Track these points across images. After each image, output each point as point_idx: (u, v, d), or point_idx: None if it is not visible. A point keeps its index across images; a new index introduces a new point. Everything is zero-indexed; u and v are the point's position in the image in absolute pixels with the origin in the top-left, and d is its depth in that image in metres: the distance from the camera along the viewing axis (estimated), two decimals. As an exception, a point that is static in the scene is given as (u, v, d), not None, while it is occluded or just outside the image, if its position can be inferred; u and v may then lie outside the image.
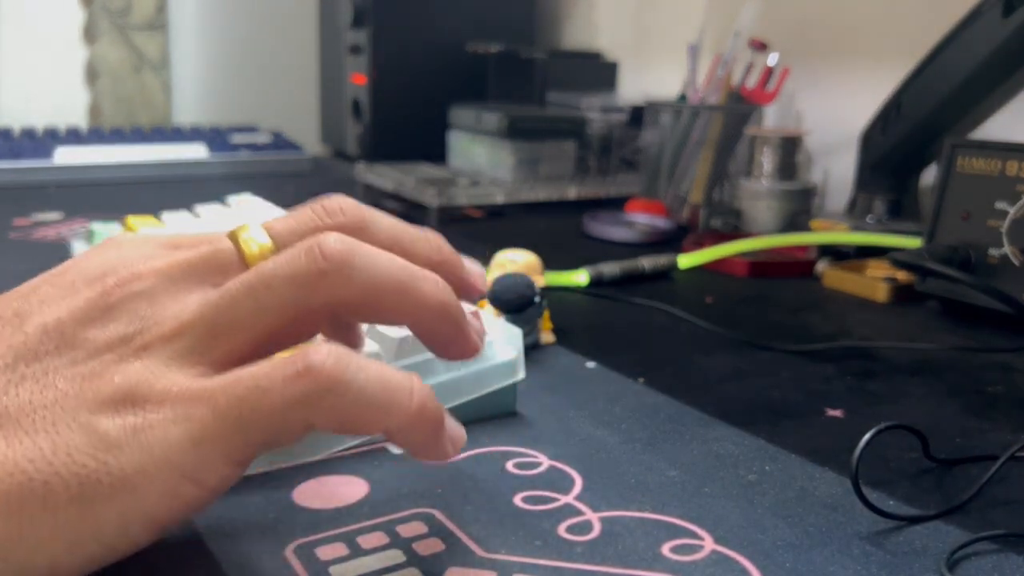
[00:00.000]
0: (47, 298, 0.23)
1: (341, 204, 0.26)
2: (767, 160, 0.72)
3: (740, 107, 0.76)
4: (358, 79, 1.02)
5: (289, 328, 0.23)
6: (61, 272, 0.24)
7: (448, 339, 0.26)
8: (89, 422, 0.21)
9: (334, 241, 0.23)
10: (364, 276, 0.23)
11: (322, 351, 0.21)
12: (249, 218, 0.26)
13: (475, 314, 0.28)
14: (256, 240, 0.25)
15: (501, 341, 0.35)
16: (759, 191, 0.71)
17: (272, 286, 0.23)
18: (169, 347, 0.22)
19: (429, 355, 0.33)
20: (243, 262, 0.25)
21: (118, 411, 0.21)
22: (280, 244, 0.25)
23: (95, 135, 1.01)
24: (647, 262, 0.58)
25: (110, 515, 0.20)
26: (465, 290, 0.28)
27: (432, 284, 0.25)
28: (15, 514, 0.20)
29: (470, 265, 0.28)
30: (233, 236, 0.25)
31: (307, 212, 0.26)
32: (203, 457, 0.21)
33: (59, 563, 0.20)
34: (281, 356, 0.22)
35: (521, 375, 0.35)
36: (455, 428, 0.25)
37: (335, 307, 0.23)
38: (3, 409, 0.21)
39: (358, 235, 0.25)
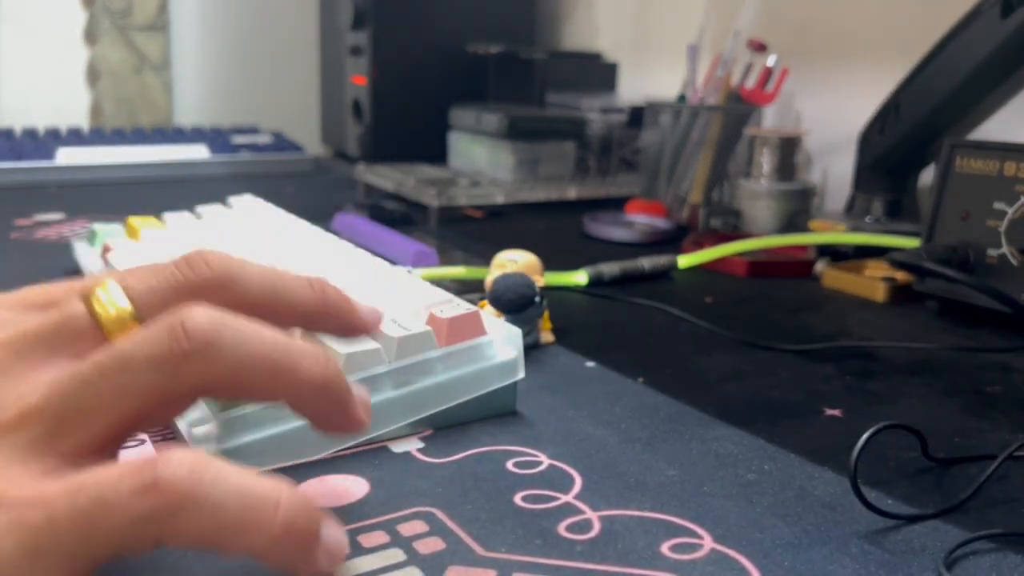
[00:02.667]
0: None
1: (206, 258, 0.24)
2: (766, 160, 0.72)
3: (739, 107, 0.76)
4: (359, 80, 1.02)
5: (151, 412, 0.21)
6: None
7: (329, 417, 0.24)
8: None
9: (200, 317, 0.21)
10: (233, 356, 0.21)
11: (174, 460, 0.19)
12: (105, 275, 0.24)
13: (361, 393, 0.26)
14: (113, 302, 0.23)
15: (501, 341, 0.35)
16: (758, 191, 0.71)
17: (131, 369, 0.21)
18: (11, 437, 0.20)
19: (428, 355, 0.33)
20: (98, 327, 0.23)
21: None
22: (139, 306, 0.23)
23: (96, 136, 1.01)
24: (647, 262, 0.58)
25: None
26: (354, 331, 0.27)
27: (311, 361, 0.23)
28: None
29: (361, 304, 0.27)
30: (87, 298, 0.23)
31: (169, 268, 0.24)
32: (39, 571, 0.19)
33: None
34: (132, 459, 0.20)
35: (521, 375, 0.35)
36: (333, 538, 0.22)
37: (201, 390, 0.22)
38: None
39: (226, 291, 0.23)
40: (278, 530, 0.20)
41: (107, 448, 0.21)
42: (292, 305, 0.25)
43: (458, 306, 0.35)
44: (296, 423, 0.30)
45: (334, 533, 0.22)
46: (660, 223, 0.73)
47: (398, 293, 0.38)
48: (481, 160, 0.88)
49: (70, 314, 0.22)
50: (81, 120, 1.16)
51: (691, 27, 0.89)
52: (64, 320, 0.22)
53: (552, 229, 0.73)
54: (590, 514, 0.28)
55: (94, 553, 0.19)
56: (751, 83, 0.78)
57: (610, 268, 0.56)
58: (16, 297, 0.23)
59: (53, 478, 0.20)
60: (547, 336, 0.44)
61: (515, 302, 0.41)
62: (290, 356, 0.22)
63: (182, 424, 0.30)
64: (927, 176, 0.68)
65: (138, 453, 0.31)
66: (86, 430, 0.21)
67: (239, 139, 1.05)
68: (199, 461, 0.20)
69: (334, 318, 0.26)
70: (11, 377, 0.21)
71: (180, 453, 0.20)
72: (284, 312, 0.25)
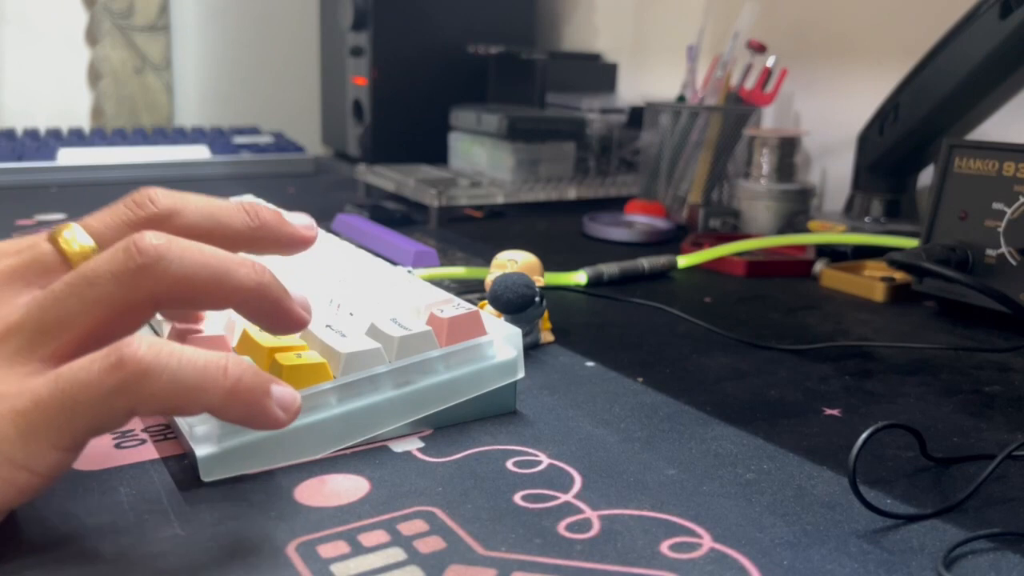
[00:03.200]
0: None
1: (150, 195, 0.28)
2: (765, 161, 0.72)
3: (739, 108, 0.77)
4: (359, 81, 1.02)
5: (115, 322, 0.25)
6: None
7: (271, 316, 0.28)
8: None
9: (150, 237, 0.25)
10: (179, 268, 0.25)
11: (135, 342, 0.23)
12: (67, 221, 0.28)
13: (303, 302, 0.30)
14: (76, 240, 0.27)
15: (501, 341, 0.35)
16: (757, 192, 0.72)
17: (94, 283, 0.25)
18: (6, 345, 0.24)
19: (429, 355, 0.33)
20: (66, 262, 0.26)
21: None
22: (100, 240, 0.27)
23: (97, 136, 1.01)
24: (646, 262, 0.58)
25: None
26: (293, 244, 0.30)
27: (247, 269, 0.27)
28: None
29: (294, 217, 0.30)
30: (53, 238, 0.27)
31: (120, 207, 0.28)
32: (32, 447, 0.23)
33: None
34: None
35: (521, 374, 0.35)
36: (285, 394, 0.26)
37: (156, 299, 0.26)
38: None
39: (171, 221, 0.27)
40: (229, 385, 0.24)
41: (80, 353, 0.24)
42: (231, 228, 0.28)
43: (458, 306, 0.35)
44: (295, 423, 0.30)
45: (285, 390, 0.26)
46: (659, 223, 0.73)
47: (398, 293, 0.38)
48: (481, 161, 0.88)
49: (40, 252, 0.27)
50: (82, 121, 1.16)
51: (690, 28, 0.89)
52: (35, 258, 0.26)
53: (552, 229, 0.73)
54: (590, 513, 0.28)
55: (77, 427, 0.23)
56: (750, 84, 0.78)
57: (610, 268, 0.57)
58: None
59: (37, 377, 0.24)
60: (547, 336, 0.44)
61: (515, 302, 0.41)
62: (227, 265, 0.26)
63: (183, 424, 0.30)
64: (926, 176, 0.68)
65: (138, 453, 0.31)
66: (61, 337, 0.25)
67: (240, 140, 1.05)
68: (157, 341, 0.24)
69: (272, 236, 0.29)
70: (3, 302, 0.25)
71: (140, 336, 0.24)
72: (225, 235, 0.28)
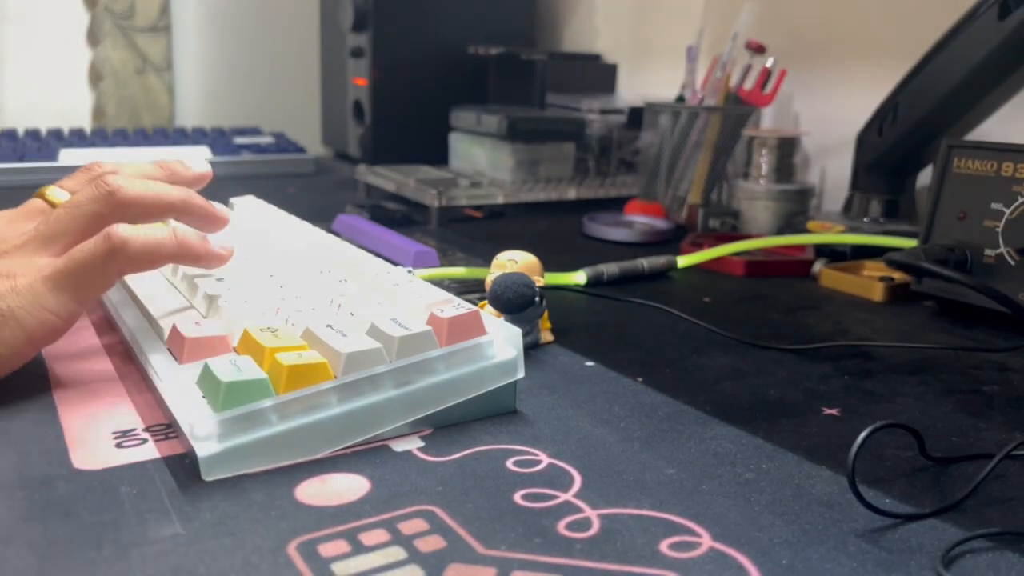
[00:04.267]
0: None
1: (97, 163, 0.43)
2: (765, 161, 0.72)
3: (738, 109, 0.77)
4: (359, 81, 1.02)
5: (97, 229, 0.36)
6: None
7: (201, 218, 0.41)
8: None
9: (110, 176, 0.38)
10: (131, 192, 0.38)
11: (114, 226, 0.35)
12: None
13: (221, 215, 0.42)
14: (56, 194, 0.43)
15: (501, 341, 0.35)
16: (757, 192, 0.72)
17: (81, 205, 0.37)
18: (25, 248, 0.36)
19: (429, 355, 0.33)
20: (52, 207, 0.41)
21: (2, 279, 0.34)
22: (72, 194, 0.40)
23: (99, 137, 1.01)
24: (646, 262, 0.58)
25: (8, 332, 0.34)
26: (196, 181, 0.45)
27: (173, 189, 0.40)
28: None
29: (191, 163, 0.45)
30: (42, 195, 0.43)
31: (78, 173, 0.44)
32: (59, 298, 0.35)
33: None
34: None
35: (521, 374, 0.35)
36: (220, 242, 0.40)
37: (123, 213, 0.38)
38: None
39: (117, 175, 0.39)
40: (179, 239, 0.38)
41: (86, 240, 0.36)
42: (153, 175, 0.43)
43: (458, 306, 0.35)
44: (296, 423, 0.30)
45: (219, 239, 0.40)
46: (659, 223, 0.73)
47: (398, 293, 0.38)
48: (481, 161, 0.88)
49: (35, 204, 0.42)
50: (83, 121, 1.16)
51: (690, 29, 0.89)
52: (33, 207, 0.42)
53: (552, 229, 0.73)
54: (589, 512, 0.28)
55: (86, 283, 0.35)
56: (749, 84, 0.78)
57: (609, 268, 0.57)
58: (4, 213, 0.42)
59: (55, 259, 0.36)
60: (547, 336, 0.45)
61: (515, 302, 0.41)
62: (162, 187, 0.40)
63: (184, 423, 0.30)
64: (925, 177, 0.68)
65: (139, 452, 0.31)
66: (64, 239, 0.37)
67: (241, 140, 1.05)
68: (125, 225, 0.36)
69: (179, 180, 0.44)
70: (14, 228, 0.40)
71: (120, 224, 0.36)
72: (160, 175, 0.44)
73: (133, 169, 0.43)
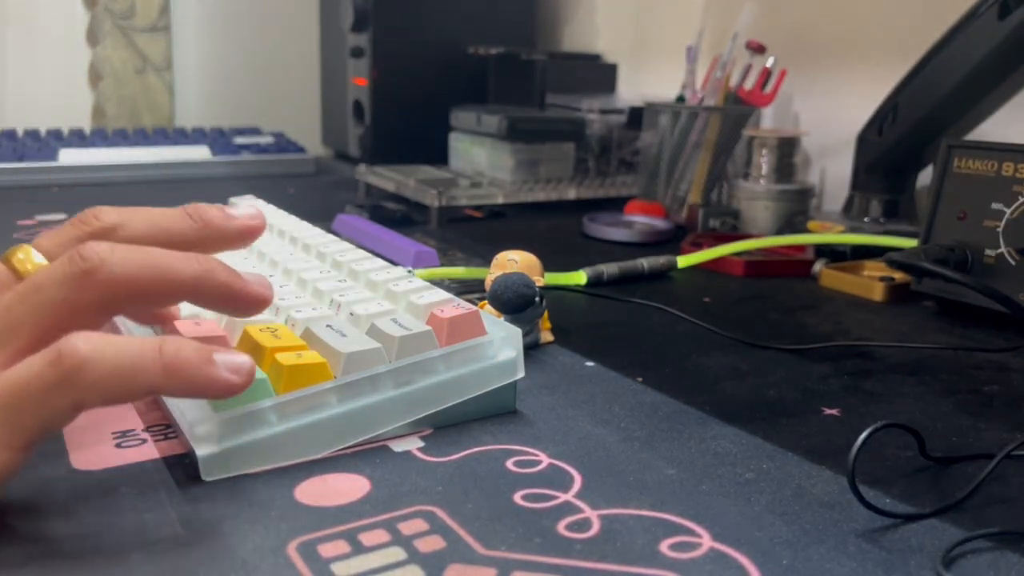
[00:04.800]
0: None
1: (95, 212, 0.29)
2: (765, 161, 0.72)
3: (738, 109, 0.77)
4: (359, 81, 1.02)
5: (65, 327, 0.26)
6: None
7: (225, 299, 0.29)
8: None
9: (92, 245, 0.27)
10: (122, 270, 0.27)
11: (71, 338, 0.24)
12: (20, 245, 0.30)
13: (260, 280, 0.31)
14: (30, 259, 0.28)
15: (501, 341, 0.35)
16: (757, 192, 0.72)
17: (43, 290, 0.26)
18: None
19: (429, 355, 0.33)
20: (19, 279, 0.28)
21: None
22: (50, 258, 0.28)
23: (98, 136, 1.01)
24: (646, 262, 0.58)
25: None
26: (241, 237, 0.31)
27: (188, 260, 0.28)
28: None
29: (239, 209, 0.31)
30: (7, 260, 0.29)
31: (67, 226, 0.29)
32: None
33: None
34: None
35: (521, 374, 0.35)
36: (233, 359, 0.27)
37: (104, 302, 0.27)
38: None
39: (117, 233, 0.29)
40: (166, 361, 0.25)
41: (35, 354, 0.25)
42: (176, 232, 0.30)
43: (458, 306, 0.35)
44: (296, 423, 0.30)
45: (232, 355, 0.27)
46: (659, 223, 0.73)
47: (398, 293, 0.38)
48: (481, 161, 0.88)
49: (1, 274, 0.28)
50: (83, 121, 1.16)
51: (690, 29, 0.89)
52: None
53: (552, 229, 0.73)
54: (589, 513, 0.28)
55: (26, 424, 0.24)
56: (750, 84, 0.78)
57: (609, 268, 0.57)
58: None
59: None
60: (547, 336, 0.45)
61: (515, 302, 0.41)
62: (168, 260, 0.28)
63: (183, 423, 0.30)
64: (925, 177, 0.68)
65: (139, 452, 0.31)
66: (14, 342, 0.26)
67: (241, 140, 1.05)
68: (92, 334, 0.25)
69: (217, 234, 0.30)
70: None
71: (76, 333, 0.25)
72: (170, 240, 0.29)
73: (146, 218, 0.30)
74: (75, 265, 0.26)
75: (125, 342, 0.25)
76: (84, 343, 0.24)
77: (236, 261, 0.45)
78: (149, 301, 0.29)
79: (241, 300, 0.30)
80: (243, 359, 0.27)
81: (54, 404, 0.24)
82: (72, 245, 0.28)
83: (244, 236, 0.31)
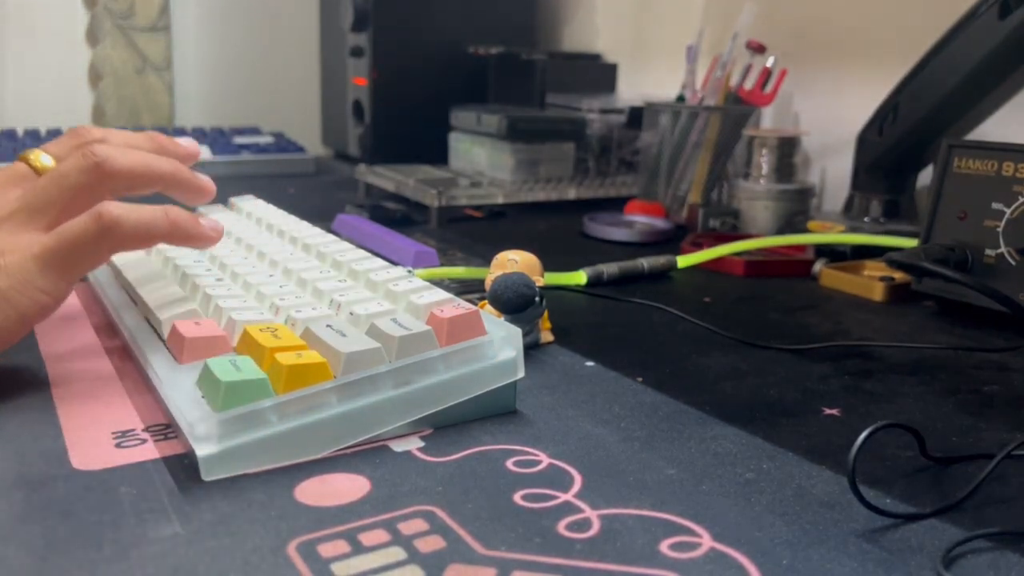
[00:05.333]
0: None
1: (85, 129, 0.42)
2: (765, 161, 0.72)
3: (738, 108, 0.77)
4: (359, 81, 1.02)
5: (84, 201, 0.37)
6: None
7: (187, 188, 0.42)
8: None
9: (97, 146, 0.38)
10: (120, 163, 0.38)
11: (106, 204, 0.35)
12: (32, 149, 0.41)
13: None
14: (40, 160, 0.40)
15: (501, 341, 0.35)
16: (757, 192, 0.72)
17: (68, 176, 0.37)
18: (12, 221, 0.36)
19: (428, 355, 0.33)
20: (36, 173, 0.40)
21: None
22: (57, 160, 0.40)
23: (97, 137, 1.01)
24: (646, 262, 0.58)
25: (0, 314, 0.33)
26: (186, 157, 0.45)
27: (162, 160, 0.41)
28: None
29: (182, 142, 0.45)
30: (25, 159, 0.40)
31: (64, 138, 0.42)
32: (48, 278, 0.34)
33: None
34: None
35: (521, 374, 0.35)
36: (212, 222, 0.39)
37: (109, 185, 0.38)
38: None
39: (106, 142, 0.40)
40: (172, 219, 0.37)
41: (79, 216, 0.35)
42: (141, 146, 0.42)
43: (458, 306, 0.35)
44: (296, 423, 0.30)
45: (210, 219, 0.39)
46: (659, 223, 0.73)
47: (398, 293, 0.38)
48: (481, 161, 0.88)
49: (18, 169, 0.40)
50: (83, 121, 1.16)
51: (690, 28, 0.89)
52: (15, 172, 0.40)
53: (552, 229, 0.73)
54: (589, 513, 0.28)
55: (76, 261, 0.35)
56: (750, 84, 0.78)
57: (609, 268, 0.57)
58: None
59: (42, 236, 0.35)
60: (547, 336, 0.45)
61: (515, 302, 0.41)
62: (150, 158, 0.40)
63: (183, 423, 0.30)
64: (925, 176, 0.68)
65: (138, 452, 0.31)
66: (49, 213, 0.36)
67: (240, 140, 1.05)
68: (119, 203, 0.35)
69: (168, 151, 0.44)
70: (3, 199, 0.38)
71: (111, 201, 0.35)
72: (149, 147, 0.43)
73: (121, 138, 0.42)
74: (88, 160, 0.37)
75: (143, 207, 0.36)
76: (116, 208, 0.34)
77: (236, 260, 0.45)
78: (138, 187, 0.40)
79: (196, 190, 0.43)
80: (219, 223, 0.39)
81: (97, 248, 0.35)
82: (72, 151, 0.40)
83: (188, 158, 0.45)
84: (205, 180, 0.43)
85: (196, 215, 0.39)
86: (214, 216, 0.52)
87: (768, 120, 0.85)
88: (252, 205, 0.57)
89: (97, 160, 0.37)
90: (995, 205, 0.49)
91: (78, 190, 0.37)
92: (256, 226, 0.53)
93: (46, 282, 0.34)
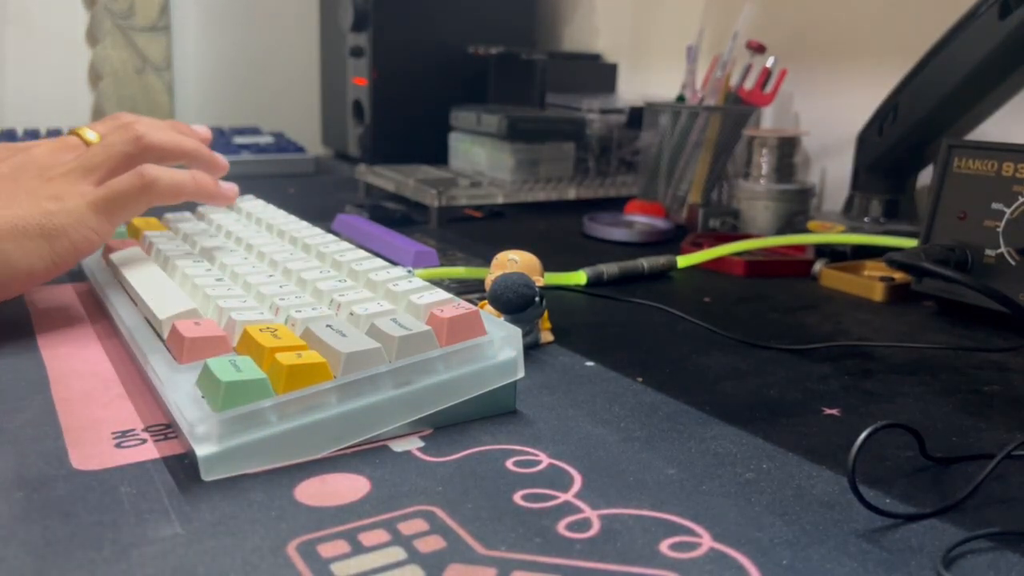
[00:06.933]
0: (4, 158, 0.47)
1: (119, 114, 0.51)
2: (765, 161, 0.72)
3: (738, 108, 0.77)
4: (359, 81, 1.02)
5: (126, 166, 0.45)
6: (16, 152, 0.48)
7: (206, 162, 0.51)
8: (41, 204, 0.42)
9: (135, 124, 0.48)
10: (154, 137, 0.47)
11: (146, 166, 0.44)
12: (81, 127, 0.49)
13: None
14: (88, 136, 0.49)
15: (501, 341, 0.35)
16: (757, 192, 0.72)
17: (114, 144, 0.46)
18: (70, 176, 0.44)
19: (429, 355, 0.33)
20: (84, 144, 0.48)
21: (53, 200, 0.42)
22: (100, 135, 0.49)
23: (96, 137, 1.01)
24: (646, 262, 0.58)
25: (55, 245, 0.41)
26: (203, 141, 0.53)
27: (187, 139, 0.50)
28: (10, 240, 0.40)
29: (198, 129, 0.54)
30: (75, 133, 0.49)
31: (106, 120, 0.51)
32: (99, 220, 0.43)
33: (33, 267, 0.41)
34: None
35: (521, 374, 0.35)
36: (230, 185, 0.53)
37: (145, 155, 0.46)
38: None
39: (139, 121, 0.50)
40: (197, 180, 0.48)
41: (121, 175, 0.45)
42: (173, 129, 0.52)
43: (458, 306, 0.35)
44: (296, 423, 0.30)
45: (229, 184, 0.53)
46: (659, 223, 0.73)
47: (398, 293, 0.38)
48: (481, 161, 0.88)
49: (69, 140, 0.48)
50: (83, 121, 1.16)
51: (690, 28, 0.89)
52: (67, 142, 0.48)
53: (552, 229, 0.73)
54: (589, 513, 0.28)
55: (122, 208, 0.44)
56: (750, 84, 0.78)
57: (609, 268, 0.57)
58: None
59: (95, 187, 0.44)
60: (547, 336, 0.45)
61: (515, 302, 0.41)
62: (178, 137, 0.49)
63: (183, 423, 0.30)
64: (925, 177, 0.68)
65: (138, 452, 0.31)
66: (99, 172, 0.45)
67: (240, 140, 1.05)
68: (156, 166, 0.45)
69: (187, 132, 0.53)
70: (58, 158, 0.46)
71: (147, 164, 0.45)
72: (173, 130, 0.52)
73: (147, 121, 0.51)
74: (131, 133, 0.46)
75: (175, 171, 0.46)
76: (154, 169, 0.44)
77: (237, 260, 0.45)
78: (168, 158, 0.48)
79: (216, 167, 0.52)
80: (234, 186, 0.53)
81: (138, 199, 0.44)
82: (114, 129, 0.49)
83: (204, 140, 0.54)
84: (220, 157, 0.53)
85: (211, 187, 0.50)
86: (216, 212, 0.57)
87: (768, 120, 0.85)
88: (252, 205, 0.57)
89: (138, 134, 0.46)
90: (995, 205, 0.49)
91: (122, 157, 0.45)
92: (256, 226, 0.53)
93: (96, 222, 0.43)
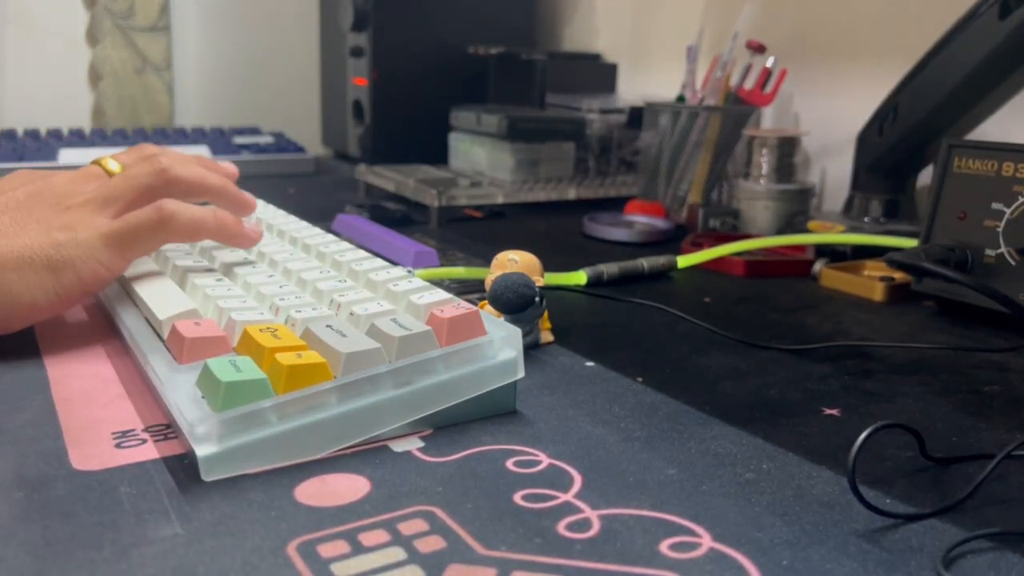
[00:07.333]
0: (17, 185, 0.44)
1: (143, 146, 0.49)
2: (765, 161, 0.72)
3: (738, 108, 0.77)
4: (359, 81, 1.02)
5: (148, 199, 0.43)
6: (35, 182, 0.45)
7: (232, 201, 0.48)
8: (51, 235, 0.40)
9: (160, 157, 0.45)
10: (180, 174, 0.45)
11: (165, 201, 0.41)
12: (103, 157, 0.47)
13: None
14: (110, 166, 0.47)
15: (501, 341, 0.35)
16: (757, 192, 0.72)
17: (136, 177, 0.44)
18: (87, 207, 0.42)
19: (429, 355, 0.33)
20: (107, 175, 0.46)
21: (65, 231, 0.40)
22: (123, 167, 0.47)
23: (98, 137, 1.01)
24: (646, 262, 0.58)
25: (61, 278, 0.39)
26: (229, 177, 0.50)
27: (213, 175, 0.47)
28: (13, 271, 0.38)
29: (223, 165, 0.51)
30: (98, 163, 0.47)
31: (130, 151, 0.49)
32: (111, 254, 0.40)
33: (36, 300, 0.39)
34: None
35: (521, 374, 0.35)
36: (253, 225, 0.47)
37: (169, 189, 0.44)
38: (3, 227, 0.40)
39: (165, 153, 0.47)
40: (219, 219, 0.44)
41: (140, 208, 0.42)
42: (205, 166, 0.49)
43: (458, 306, 0.35)
44: (296, 423, 0.30)
45: (252, 224, 0.47)
46: (659, 223, 0.73)
47: (398, 293, 0.38)
48: (481, 161, 0.88)
49: (91, 170, 0.47)
50: (83, 121, 1.16)
51: (690, 28, 0.89)
52: (90, 172, 0.46)
53: (552, 229, 0.73)
54: (589, 513, 0.28)
55: (136, 244, 0.41)
56: (750, 84, 0.78)
57: (609, 268, 0.57)
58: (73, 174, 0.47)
59: (111, 220, 0.41)
60: (547, 336, 0.45)
61: (515, 302, 0.41)
62: (204, 172, 0.47)
63: (183, 423, 0.30)
64: (925, 176, 0.68)
65: (138, 452, 0.31)
66: (119, 204, 0.42)
67: (240, 140, 1.05)
68: (175, 201, 0.42)
69: (213, 169, 0.49)
70: (79, 188, 0.44)
71: (166, 200, 0.42)
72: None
73: (171, 154, 0.48)
74: (155, 166, 0.44)
75: (195, 207, 0.43)
76: (174, 204, 0.41)
77: (236, 260, 0.45)
78: (193, 194, 0.46)
79: (243, 206, 0.49)
80: (258, 228, 0.47)
81: (154, 235, 0.41)
82: (138, 160, 0.47)
83: (230, 177, 0.50)
84: (248, 196, 0.49)
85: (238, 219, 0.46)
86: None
87: (768, 120, 0.85)
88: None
89: (163, 167, 0.44)
90: (995, 205, 0.49)
91: (144, 190, 0.43)
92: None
93: (107, 257, 0.40)
